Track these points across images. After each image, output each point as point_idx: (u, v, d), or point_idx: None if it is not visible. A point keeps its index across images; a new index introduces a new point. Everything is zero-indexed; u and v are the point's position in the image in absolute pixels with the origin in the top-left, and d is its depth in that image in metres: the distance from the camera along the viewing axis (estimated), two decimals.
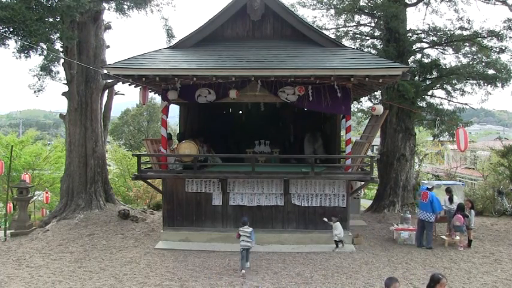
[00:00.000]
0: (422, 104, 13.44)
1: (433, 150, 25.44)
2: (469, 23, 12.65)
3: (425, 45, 13.62)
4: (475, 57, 13.01)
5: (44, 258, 8.11)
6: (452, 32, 12.72)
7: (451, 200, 9.46)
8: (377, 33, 14.49)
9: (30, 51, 9.97)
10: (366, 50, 13.80)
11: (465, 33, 12.56)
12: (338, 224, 8.33)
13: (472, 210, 9.04)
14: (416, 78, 12.96)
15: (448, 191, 9.60)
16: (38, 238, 9.78)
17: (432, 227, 8.99)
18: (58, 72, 11.54)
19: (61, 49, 11.67)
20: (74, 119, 12.11)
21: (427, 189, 9.04)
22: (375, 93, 13.36)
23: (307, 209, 8.92)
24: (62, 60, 11.46)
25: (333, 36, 12.96)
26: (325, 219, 8.41)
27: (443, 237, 9.21)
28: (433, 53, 13.68)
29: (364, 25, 14.73)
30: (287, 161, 9.84)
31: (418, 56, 13.61)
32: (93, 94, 12.38)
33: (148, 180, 9.65)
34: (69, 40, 10.59)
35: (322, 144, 10.81)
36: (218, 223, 9.03)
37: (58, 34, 10.42)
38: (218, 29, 9.57)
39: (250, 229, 7.09)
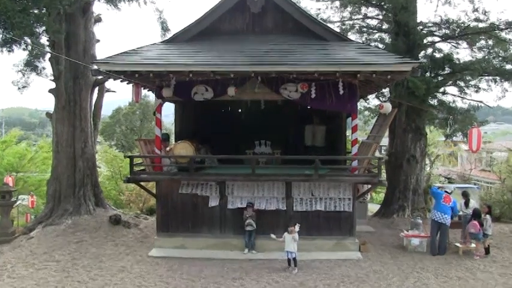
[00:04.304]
0: (434, 101, 13.46)
1: (445, 151, 25.44)
2: (485, 14, 12.57)
3: (437, 38, 13.62)
4: (491, 51, 12.98)
5: (28, 268, 8.09)
6: (466, 25, 12.68)
7: (467, 204, 9.48)
8: (385, 26, 14.52)
9: (14, 45, 9.93)
10: (373, 44, 13.84)
11: (481, 25, 12.52)
12: (296, 233, 7.82)
13: (489, 216, 9.02)
14: (427, 74, 12.99)
15: (465, 194, 9.61)
16: (21, 246, 9.76)
17: (448, 231, 9.07)
18: (44, 68, 11.53)
19: (47, 43, 11.68)
20: (61, 117, 12.11)
21: (447, 192, 9.15)
22: (383, 90, 13.40)
23: (310, 214, 8.96)
24: (48, 55, 11.47)
25: (338, 30, 13.01)
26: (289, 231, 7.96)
27: (458, 244, 9.21)
28: (445, 47, 13.70)
29: (372, 18, 14.76)
30: (289, 163, 9.86)
31: (429, 50, 13.61)
32: (83, 91, 12.39)
33: (142, 183, 9.70)
34: (56, 34, 10.58)
35: (325, 133, 10.87)
36: (216, 229, 9.08)
37: (44, 27, 10.40)
38: (216, 22, 9.61)
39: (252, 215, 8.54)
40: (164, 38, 11.96)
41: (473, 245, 8.95)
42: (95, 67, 8.52)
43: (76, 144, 12.28)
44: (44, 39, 11.60)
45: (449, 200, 8.97)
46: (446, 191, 9.20)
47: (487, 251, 8.86)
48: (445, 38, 13.42)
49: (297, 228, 7.76)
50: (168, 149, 9.54)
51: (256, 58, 8.32)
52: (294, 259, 7.81)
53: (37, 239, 10.22)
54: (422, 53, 13.43)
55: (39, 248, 9.48)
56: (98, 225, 11.21)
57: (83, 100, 12.43)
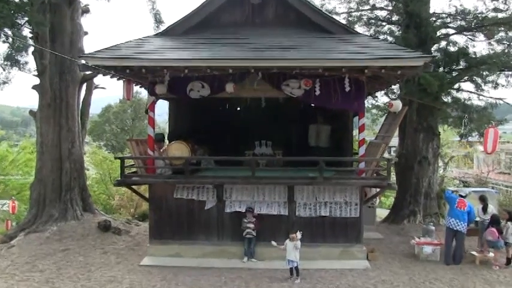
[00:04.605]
0: (448, 99, 13.51)
1: (460, 153, 25.51)
2: (505, 3, 12.59)
3: (451, 31, 13.66)
4: (511, 43, 13.01)
5: (8, 280, 8.03)
6: (484, 15, 12.69)
7: (484, 209, 9.44)
8: (395, 18, 14.57)
9: None
10: (382, 37, 13.91)
11: (500, 15, 12.52)
12: (299, 240, 7.89)
13: (510, 223, 8.91)
14: (441, 69, 13.02)
15: (482, 199, 9.58)
16: (1, 256, 9.72)
17: (464, 239, 9.06)
18: (27, 62, 11.57)
19: (30, 35, 11.70)
20: (46, 116, 12.15)
21: (461, 196, 9.12)
22: (393, 87, 13.44)
23: (314, 220, 9.01)
24: (31, 49, 11.48)
25: (344, 22, 13.08)
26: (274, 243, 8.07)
27: (474, 253, 9.18)
28: (460, 40, 13.71)
29: (380, 9, 14.82)
30: (291, 165, 9.91)
31: (443, 43, 13.65)
32: (69, 88, 12.43)
33: (133, 187, 9.75)
34: (40, 25, 10.57)
35: (330, 133, 10.96)
36: (213, 236, 9.13)
37: (26, 18, 10.36)
38: (213, 13, 9.67)
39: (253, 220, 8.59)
40: (158, 31, 11.98)
41: (491, 254, 8.92)
42: (83, 62, 8.54)
43: (62, 145, 12.32)
44: (26, 31, 11.64)
45: (463, 204, 8.94)
46: (460, 195, 9.16)
47: (509, 261, 8.78)
48: (460, 30, 13.44)
49: (298, 235, 7.80)
50: (162, 150, 9.58)
51: (256, 52, 8.36)
52: (296, 268, 7.86)
53: (19, 247, 10.22)
54: (435, 47, 13.48)
55: (21, 257, 9.44)
56: (86, 232, 11.25)
57: (70, 97, 12.47)
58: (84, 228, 11.52)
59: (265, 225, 8.97)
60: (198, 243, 9.12)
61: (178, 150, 9.14)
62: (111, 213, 15.84)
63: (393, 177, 12.69)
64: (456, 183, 21.62)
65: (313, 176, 8.68)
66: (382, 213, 15.68)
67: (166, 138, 10.84)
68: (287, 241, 7.85)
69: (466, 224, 8.86)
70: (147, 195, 9.92)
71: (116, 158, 10.42)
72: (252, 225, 8.75)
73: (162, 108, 11.71)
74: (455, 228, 8.88)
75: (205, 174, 9.39)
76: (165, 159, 9.37)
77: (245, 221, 8.80)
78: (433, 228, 9.87)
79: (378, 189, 9.52)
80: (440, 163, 17.35)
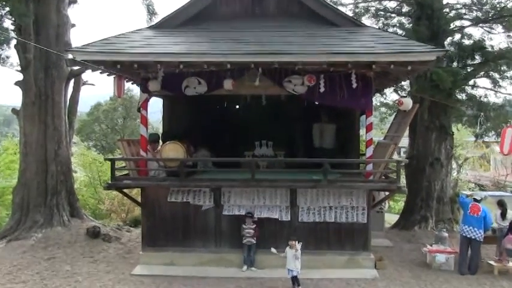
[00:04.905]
0: (462, 96, 13.52)
1: (475, 154, 25.53)
2: None
3: (466, 22, 13.68)
4: None
5: None
6: (503, 5, 12.70)
7: (503, 215, 9.42)
8: (405, 9, 14.60)
9: None
10: (391, 30, 13.95)
11: None
12: (299, 249, 7.90)
13: None
14: (455, 64, 13.07)
15: (501, 204, 9.57)
16: None
17: (480, 247, 9.04)
18: (9, 57, 11.58)
19: (12, 27, 11.70)
20: (30, 114, 12.17)
21: (475, 200, 9.10)
22: (402, 83, 13.50)
23: (318, 225, 9.07)
24: (14, 42, 11.48)
25: (350, 14, 13.14)
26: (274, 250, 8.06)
27: (492, 262, 9.13)
28: (476, 32, 13.88)
29: None
30: (294, 167, 9.95)
31: (457, 36, 13.69)
32: (55, 84, 12.46)
33: (125, 191, 9.79)
34: (23, 16, 10.56)
35: (335, 133, 11.03)
36: (210, 242, 9.18)
37: (7, 8, 10.33)
38: (210, 4, 9.73)
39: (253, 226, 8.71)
40: (151, 23, 12.04)
41: (511, 264, 8.90)
42: (70, 56, 8.57)
43: (48, 146, 12.35)
44: (7, 23, 11.63)
45: (477, 209, 8.86)
46: (475, 199, 9.11)
47: None
48: (476, 22, 13.44)
49: (298, 246, 7.79)
50: (156, 151, 9.62)
51: (257, 46, 8.41)
52: (296, 278, 7.84)
53: None
54: (448, 40, 13.51)
55: (2, 266, 9.41)
56: (73, 239, 11.28)
57: (56, 94, 12.50)
58: (71, 235, 11.55)
59: (266, 231, 9.03)
60: (194, 251, 9.17)
61: (173, 151, 9.17)
62: (101, 218, 15.87)
63: (403, 180, 12.78)
64: (471, 187, 21.66)
65: (317, 179, 8.72)
66: (391, 218, 15.69)
67: (160, 138, 10.88)
68: (287, 248, 7.88)
69: (480, 231, 8.80)
70: (139, 199, 9.96)
71: (106, 159, 10.46)
72: (251, 231, 8.80)
73: (156, 106, 11.75)
74: (468, 236, 8.86)
75: (201, 176, 9.44)
76: (158, 161, 9.41)
77: (244, 226, 8.86)
78: (446, 235, 9.89)
79: (387, 193, 9.58)
80: (454, 165, 17.40)
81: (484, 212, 8.87)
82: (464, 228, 8.98)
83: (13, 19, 11.13)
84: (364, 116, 9.70)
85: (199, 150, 10.45)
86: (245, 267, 8.82)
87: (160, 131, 12.15)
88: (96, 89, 15.90)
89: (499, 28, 13.48)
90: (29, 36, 11.36)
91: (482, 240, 8.88)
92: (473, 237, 8.82)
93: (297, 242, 7.84)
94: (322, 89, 8.51)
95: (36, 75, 12.08)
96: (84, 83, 14.32)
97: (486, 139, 14.60)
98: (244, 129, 11.93)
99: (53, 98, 12.41)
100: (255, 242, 8.83)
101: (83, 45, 8.53)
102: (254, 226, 8.85)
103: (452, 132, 13.93)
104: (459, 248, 9.15)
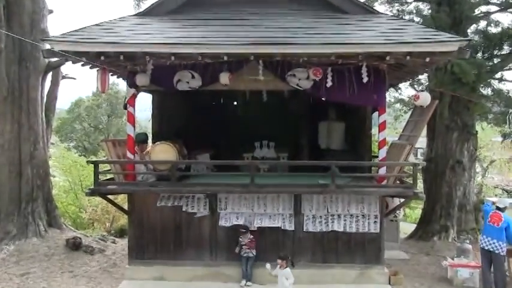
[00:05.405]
0: (487, 91, 13.55)
1: (503, 156, 25.54)
2: None
3: (493, 8, 13.63)
4: None
5: None
6: None
7: None
8: None
9: None
10: (407, 17, 13.98)
11: None
12: (288, 269, 7.83)
13: None
14: (479, 55, 13.09)
15: None
16: None
17: (504, 262, 9.01)
18: None
19: None
20: (2, 111, 12.23)
21: (498, 208, 9.06)
22: (420, 77, 13.53)
23: (325, 235, 9.13)
24: None
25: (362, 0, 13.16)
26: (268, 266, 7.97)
27: None
28: (504, 19, 14.03)
29: None
30: (298, 170, 9.97)
31: (483, 23, 13.71)
32: (31, 78, 12.52)
33: (109, 197, 9.83)
34: None
35: (344, 132, 11.05)
36: (205, 254, 9.24)
37: None
38: None
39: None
40: (138, 10, 12.10)
41: None
42: (47, 46, 8.57)
43: (22, 147, 12.40)
44: None
45: (498, 219, 8.77)
46: (497, 207, 9.04)
47: None
48: (504, 7, 13.37)
49: (285, 272, 7.61)
50: (144, 152, 9.66)
51: (257, 36, 8.43)
52: None
53: None
54: (472, 28, 13.54)
55: None
56: (51, 252, 11.32)
57: (32, 89, 12.56)
58: (48, 247, 11.60)
59: (267, 242, 9.09)
60: (187, 264, 9.21)
61: (164, 152, 9.21)
62: (82, 228, 15.92)
63: (420, 185, 12.80)
64: (498, 193, 21.66)
65: (324, 184, 8.73)
66: (407, 228, 15.76)
67: (149, 138, 10.92)
68: (277, 267, 7.74)
69: (502, 243, 8.72)
70: (125, 206, 10.01)
71: (88, 162, 10.46)
72: (247, 243, 8.87)
73: (145, 103, 11.80)
74: (486, 248, 8.84)
75: (195, 181, 9.47)
76: (147, 164, 9.46)
77: (240, 239, 8.93)
78: (470, 246, 9.90)
79: (402, 200, 9.60)
80: (478, 168, 17.42)
81: (507, 222, 8.75)
82: (482, 239, 8.95)
83: None
84: (376, 114, 9.74)
85: (200, 153, 10.48)
86: (244, 282, 8.87)
87: (149, 130, 12.17)
88: (77, 84, 15.98)
89: None
90: (0, 23, 11.39)
91: (504, 253, 8.81)
92: (492, 250, 8.78)
93: (286, 261, 7.70)
94: (329, 84, 8.52)
95: (8, 67, 12.12)
96: (64, 77, 14.40)
97: None
98: (243, 129, 11.97)
99: (28, 94, 12.47)
100: (253, 255, 8.90)
101: (62, 34, 8.50)
102: (251, 237, 8.92)
103: (476, 132, 13.98)
104: (481, 262, 9.16)
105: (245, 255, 8.88)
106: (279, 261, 7.70)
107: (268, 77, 8.73)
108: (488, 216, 9.00)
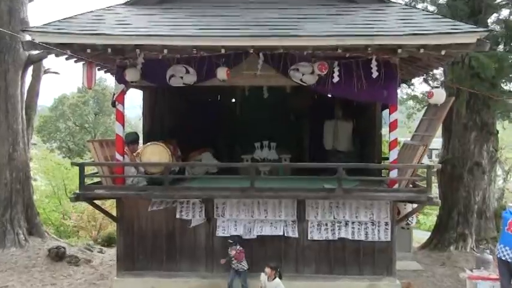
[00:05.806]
0: (509, 87, 13.63)
1: None
2: None
3: None
4: None
5: None
6: None
7: None
8: None
9: None
10: (420, 6, 13.98)
11: None
12: (278, 280, 7.85)
13: None
14: (500, 47, 13.14)
15: None
16: None
17: None
18: None
19: None
20: None
21: None
22: (434, 71, 13.55)
23: (332, 244, 9.17)
24: None
25: None
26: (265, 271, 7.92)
27: None
28: None
29: None
30: (302, 173, 10.03)
31: (505, 12, 13.79)
32: (9, 72, 12.59)
33: (96, 202, 9.86)
34: None
35: (351, 132, 11.11)
36: (200, 265, 9.29)
37: None
38: None
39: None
40: None
41: None
42: (28, 37, 8.59)
43: (0, 148, 12.46)
44: None
45: None
46: None
47: None
48: None
49: (275, 284, 7.63)
50: (135, 154, 9.70)
51: (257, 27, 8.48)
52: None
53: None
54: (492, 18, 13.60)
55: None
56: (32, 263, 11.34)
57: (10, 85, 12.62)
58: (29, 257, 11.62)
59: (268, 252, 9.12)
60: (180, 275, 9.26)
61: (156, 154, 9.26)
62: (67, 237, 15.96)
63: (435, 190, 12.83)
64: None
65: (330, 188, 8.76)
66: (420, 236, 15.81)
67: (140, 138, 10.95)
68: (265, 278, 7.72)
69: None
70: (114, 212, 10.05)
71: (73, 164, 10.52)
72: (235, 254, 8.64)
73: (135, 100, 11.84)
74: (504, 258, 8.72)
75: (190, 185, 9.52)
76: (138, 166, 9.50)
77: (228, 251, 8.77)
78: (491, 257, 9.86)
79: (415, 206, 9.62)
80: (499, 171, 17.40)
81: None
82: (500, 249, 8.85)
83: None
84: (387, 112, 9.77)
85: (202, 153, 10.53)
86: None
87: (140, 129, 12.23)
88: (61, 79, 16.04)
89: None
90: None
91: None
92: (511, 261, 8.74)
93: (275, 270, 7.71)
94: (336, 79, 8.54)
95: None
96: (46, 71, 14.41)
97: None
98: (242, 128, 12.02)
99: (6, 90, 12.54)
100: (244, 269, 8.72)
101: (44, 24, 8.50)
102: (240, 249, 8.67)
103: (497, 131, 14.01)
104: (498, 274, 9.17)
105: (234, 267, 8.72)
106: (268, 270, 7.71)
107: (269, 71, 8.78)
108: (507, 224, 8.95)
